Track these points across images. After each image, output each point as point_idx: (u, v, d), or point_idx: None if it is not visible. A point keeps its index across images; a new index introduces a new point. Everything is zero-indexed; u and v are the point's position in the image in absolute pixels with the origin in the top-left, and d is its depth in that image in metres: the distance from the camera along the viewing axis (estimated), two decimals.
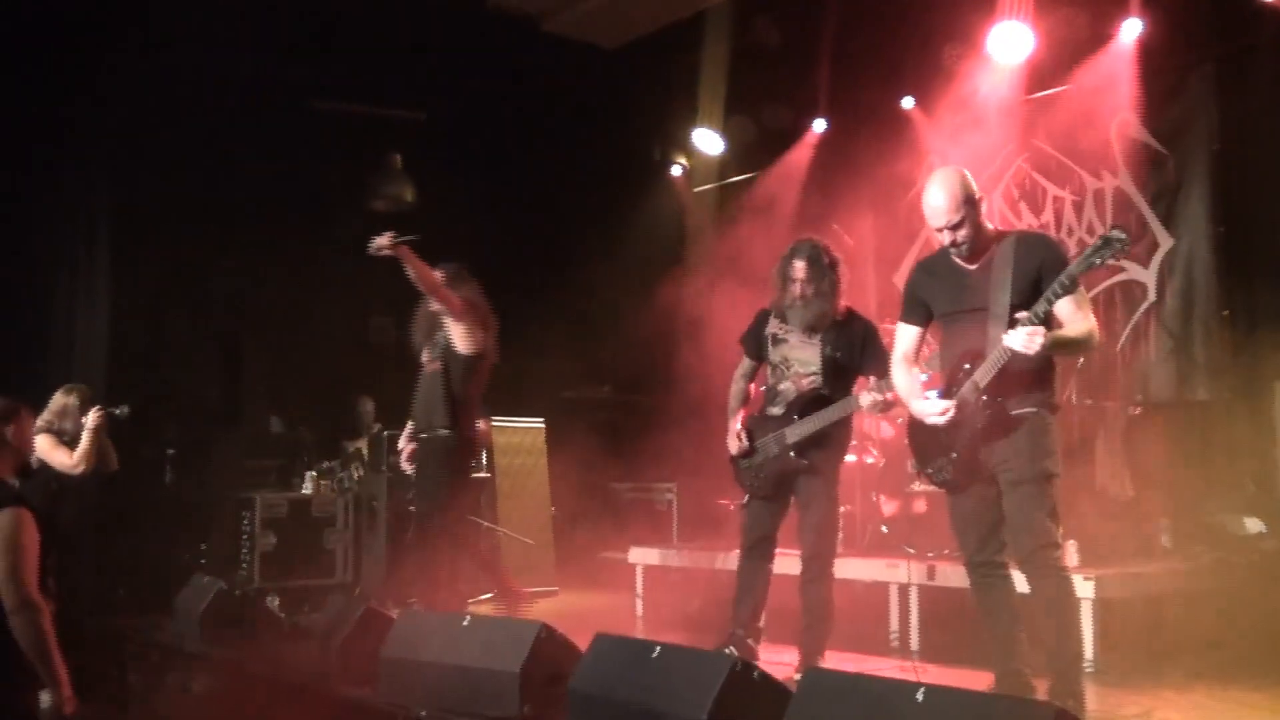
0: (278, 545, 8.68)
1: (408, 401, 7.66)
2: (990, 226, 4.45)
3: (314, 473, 9.25)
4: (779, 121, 9.23)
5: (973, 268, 4.40)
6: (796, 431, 5.41)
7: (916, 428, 4.55)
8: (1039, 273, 4.21)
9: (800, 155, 9.45)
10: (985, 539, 4.43)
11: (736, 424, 5.66)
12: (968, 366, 4.33)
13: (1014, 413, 4.28)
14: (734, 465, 5.70)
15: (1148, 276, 7.65)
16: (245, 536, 8.70)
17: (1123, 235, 3.96)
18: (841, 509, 7.09)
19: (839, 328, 5.45)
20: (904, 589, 6.35)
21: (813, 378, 5.46)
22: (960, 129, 8.06)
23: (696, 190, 10.28)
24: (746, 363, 5.76)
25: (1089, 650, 5.29)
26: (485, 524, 8.89)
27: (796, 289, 5.42)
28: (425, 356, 6.75)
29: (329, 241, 9.70)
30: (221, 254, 9.36)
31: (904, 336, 4.65)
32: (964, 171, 4.42)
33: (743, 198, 10.11)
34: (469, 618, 5.23)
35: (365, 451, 9.74)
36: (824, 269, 5.42)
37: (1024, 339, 4.02)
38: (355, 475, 9.41)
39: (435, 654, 4.99)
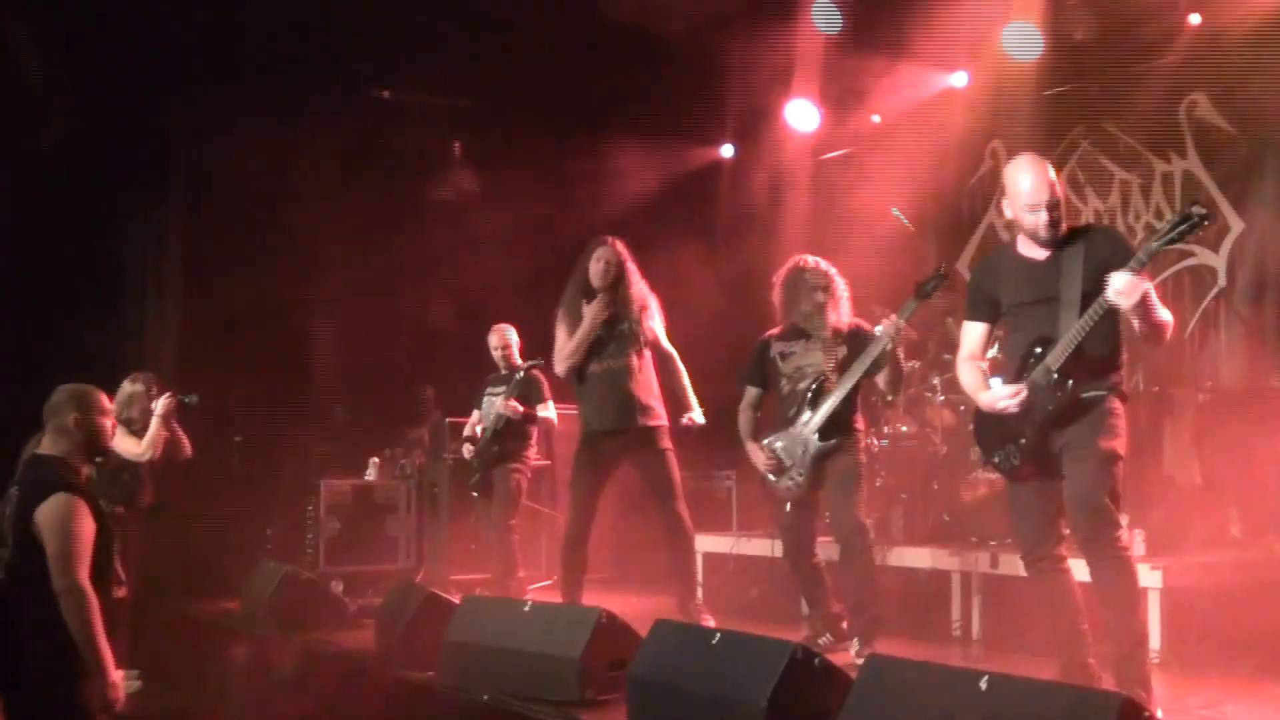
0: (342, 531, 8.78)
1: (468, 388, 7.72)
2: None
3: (377, 460, 9.33)
4: (840, 106, 9.15)
5: (1041, 259, 4.37)
6: (816, 419, 5.55)
7: (981, 418, 4.51)
8: (1110, 264, 4.14)
9: (861, 139, 9.37)
10: (1044, 532, 4.39)
11: (753, 444, 5.81)
12: (1039, 351, 4.29)
13: (1085, 395, 4.24)
14: (767, 481, 5.81)
15: (1218, 261, 7.48)
16: (310, 522, 8.82)
17: (1204, 210, 3.92)
18: (902, 496, 7.14)
19: (844, 335, 5.69)
20: (966, 577, 6.29)
21: (822, 373, 5.65)
22: (1024, 112, 7.92)
23: (755, 176, 10.21)
24: (752, 392, 5.95)
25: (1156, 640, 5.21)
26: (546, 510, 8.94)
27: (820, 296, 5.67)
28: (610, 350, 6.17)
29: (392, 231, 9.80)
30: (288, 243, 9.46)
31: (970, 334, 4.62)
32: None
33: (802, 183, 10.03)
34: (529, 603, 5.27)
35: (427, 438, 9.81)
36: (834, 281, 5.73)
37: (1130, 287, 3.96)
38: (417, 462, 9.49)
39: (496, 639, 5.04)
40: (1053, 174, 4.33)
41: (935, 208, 8.98)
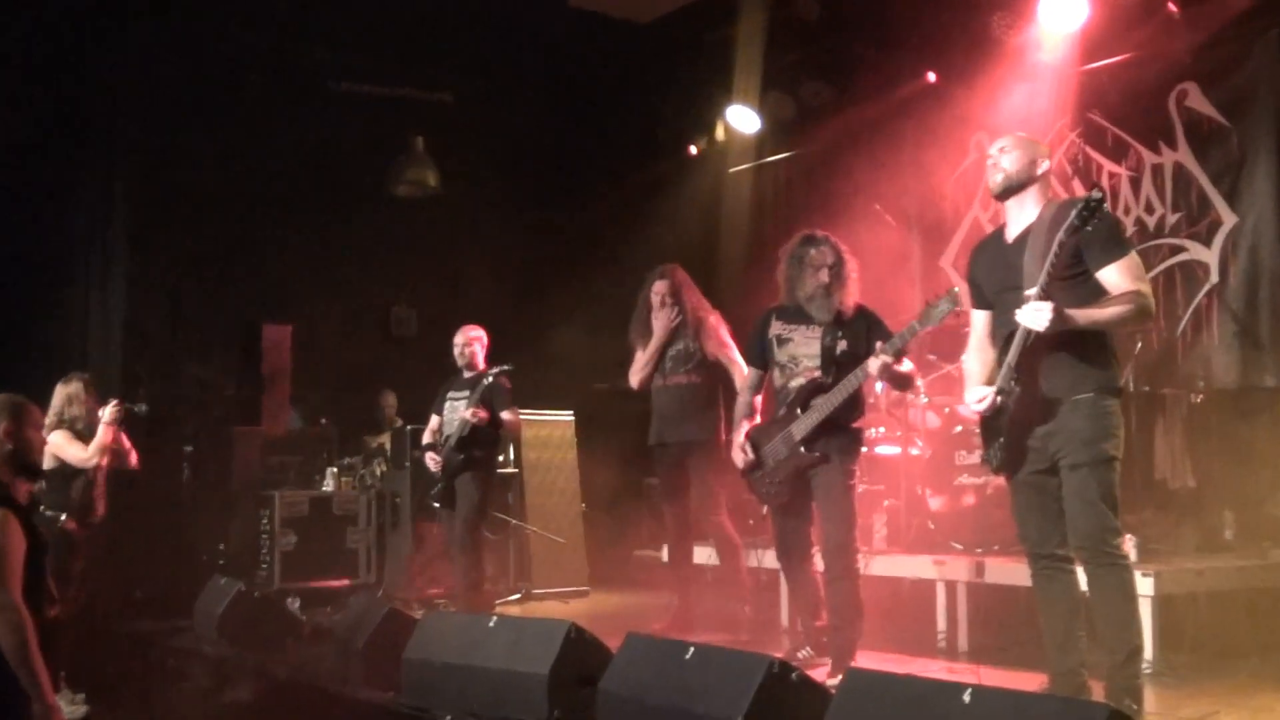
0: (298, 545, 8.66)
1: (430, 395, 7.50)
2: (1045, 195, 4.34)
3: (335, 469, 9.21)
4: (817, 99, 9.04)
5: (1010, 241, 4.31)
6: (803, 425, 5.37)
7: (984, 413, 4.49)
8: (1078, 241, 4.03)
9: (840, 133, 9.23)
10: (1046, 531, 4.31)
11: (740, 437, 5.66)
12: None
13: (1049, 396, 4.15)
14: (746, 478, 5.71)
15: (1210, 256, 7.34)
16: (265, 536, 8.69)
17: (1099, 195, 3.89)
18: (885, 503, 7.08)
19: (846, 321, 5.44)
20: (951, 586, 6.22)
21: (818, 370, 5.41)
22: (1008, 103, 7.81)
23: (731, 171, 10.07)
24: (753, 373, 5.80)
25: (1148, 649, 5.10)
26: (514, 521, 8.76)
27: (825, 275, 5.39)
28: (668, 368, 6.61)
29: (350, 229, 9.61)
30: (240, 243, 9.36)
31: (974, 322, 4.60)
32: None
33: (779, 178, 9.91)
34: (495, 618, 5.22)
35: (388, 447, 9.70)
36: (843, 258, 5.46)
37: (1030, 314, 3.95)
38: (378, 471, 9.38)
39: (460, 656, 5.01)
40: (1035, 141, 4.32)
41: (918, 203, 8.85)
